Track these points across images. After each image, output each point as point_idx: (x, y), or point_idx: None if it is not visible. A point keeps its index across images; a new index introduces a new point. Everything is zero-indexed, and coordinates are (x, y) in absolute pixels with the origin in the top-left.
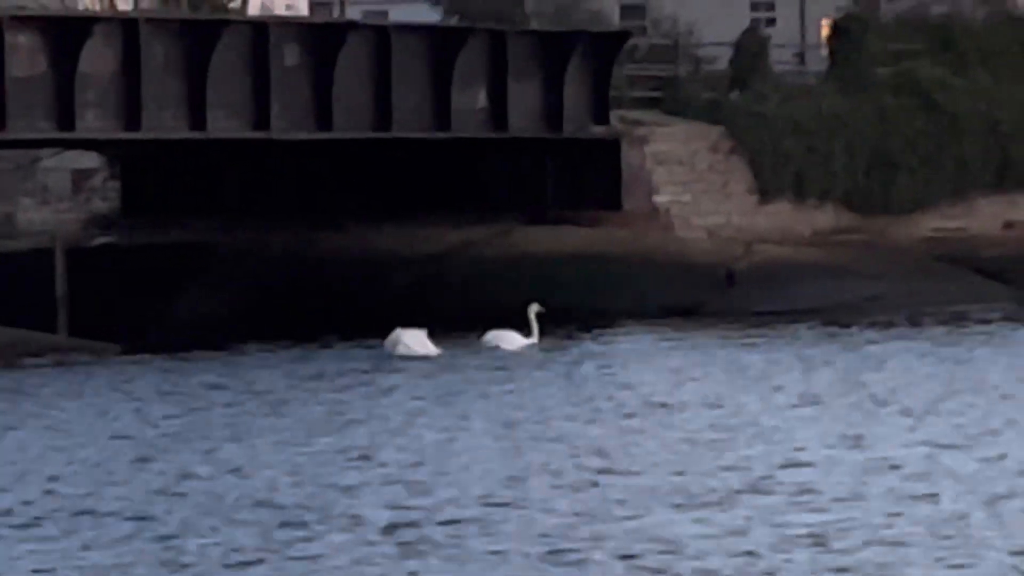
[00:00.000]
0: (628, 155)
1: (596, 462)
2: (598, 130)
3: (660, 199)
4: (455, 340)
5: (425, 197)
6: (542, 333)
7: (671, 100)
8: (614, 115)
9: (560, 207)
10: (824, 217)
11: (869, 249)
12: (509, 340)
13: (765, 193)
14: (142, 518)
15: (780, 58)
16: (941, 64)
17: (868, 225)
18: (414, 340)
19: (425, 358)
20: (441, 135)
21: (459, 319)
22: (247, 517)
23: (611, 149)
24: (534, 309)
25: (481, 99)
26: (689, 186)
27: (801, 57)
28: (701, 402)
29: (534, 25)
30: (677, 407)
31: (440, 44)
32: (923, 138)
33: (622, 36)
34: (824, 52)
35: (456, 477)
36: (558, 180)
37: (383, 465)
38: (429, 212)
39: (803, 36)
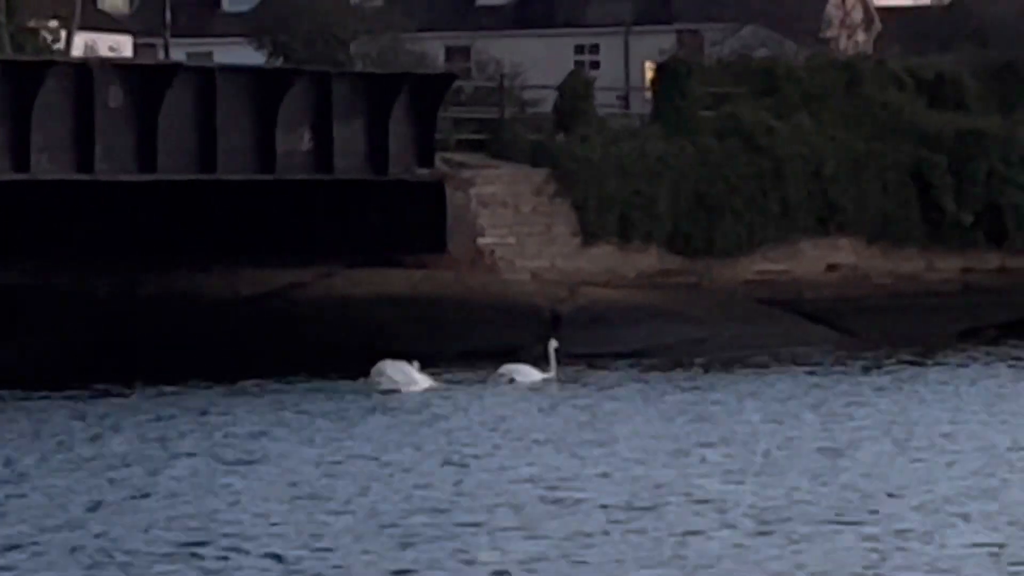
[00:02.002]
0: (453, 197)
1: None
2: (423, 172)
3: (485, 241)
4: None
5: (251, 239)
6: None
7: (496, 143)
8: (439, 157)
9: (385, 249)
10: (648, 259)
11: (693, 292)
12: (525, 374)
13: (589, 236)
14: None
15: (605, 101)
16: (764, 107)
17: (692, 267)
18: (398, 373)
19: (410, 391)
20: (266, 177)
21: (284, 362)
22: None
23: (436, 191)
24: (553, 345)
25: (306, 141)
26: (514, 228)
27: (625, 100)
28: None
29: (359, 67)
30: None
31: (265, 86)
32: (746, 181)
33: (447, 78)
34: (648, 95)
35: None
36: (383, 222)
37: None
38: (254, 254)
39: (627, 79)
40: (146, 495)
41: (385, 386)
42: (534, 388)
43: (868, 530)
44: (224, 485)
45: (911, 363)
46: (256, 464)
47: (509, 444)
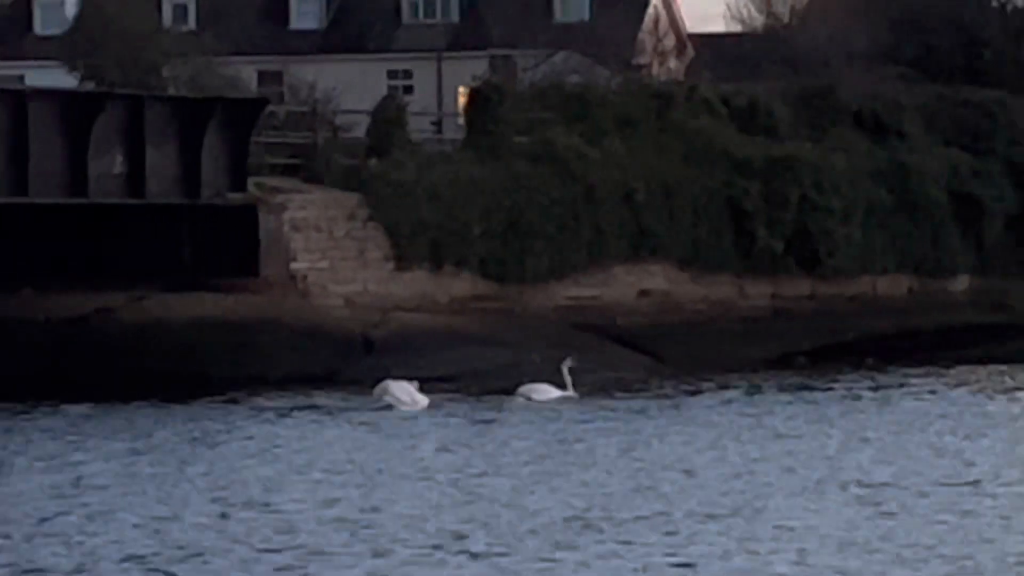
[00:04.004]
0: (265, 222)
1: None
2: (235, 197)
3: (297, 266)
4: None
5: (62, 262)
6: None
7: (309, 167)
8: (252, 182)
9: (197, 273)
10: (461, 285)
11: (506, 317)
12: (543, 392)
13: (402, 260)
14: None
15: (418, 126)
16: (576, 133)
17: (505, 293)
18: (401, 391)
19: (412, 409)
20: (78, 200)
21: (96, 386)
22: None
23: (248, 216)
24: (568, 364)
25: (118, 164)
26: (327, 253)
27: (439, 125)
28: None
29: (171, 91)
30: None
31: (77, 109)
32: (559, 206)
33: (259, 103)
34: (461, 120)
35: None
36: (195, 246)
37: None
38: (66, 278)
39: (440, 104)
40: None
41: (389, 403)
42: (551, 407)
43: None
44: None
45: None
46: None
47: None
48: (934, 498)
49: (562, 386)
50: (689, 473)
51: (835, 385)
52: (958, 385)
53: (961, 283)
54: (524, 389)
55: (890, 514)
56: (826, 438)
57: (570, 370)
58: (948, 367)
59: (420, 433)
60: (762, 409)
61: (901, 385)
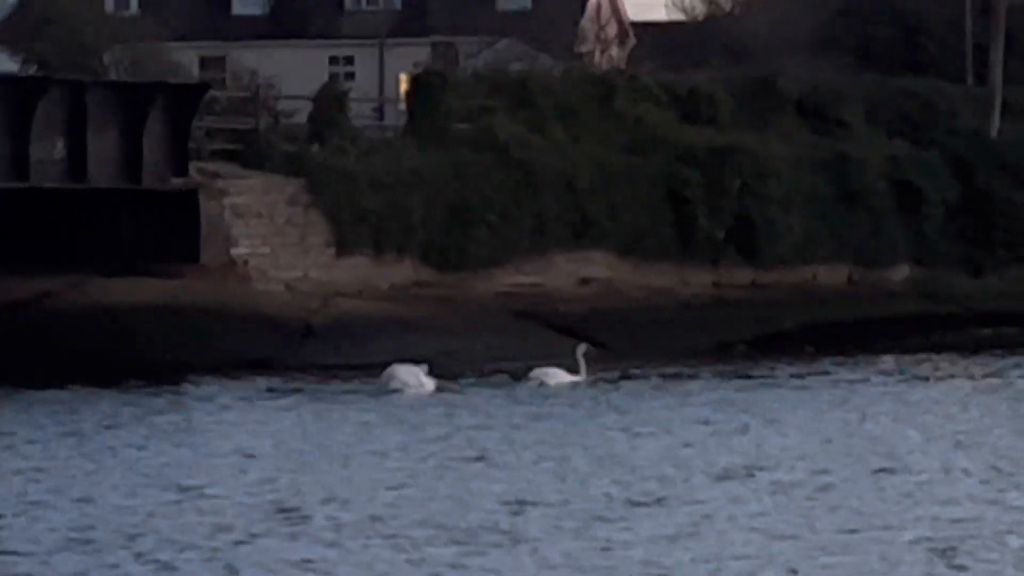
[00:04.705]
0: (207, 207)
1: None
2: (177, 182)
3: (238, 252)
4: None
5: (3, 247)
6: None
7: (251, 153)
8: (193, 167)
9: (138, 258)
10: (402, 271)
11: (446, 304)
12: (555, 376)
13: (343, 247)
14: None
15: (360, 112)
16: (519, 121)
17: (446, 280)
18: (409, 375)
19: (419, 392)
20: (19, 185)
21: (34, 371)
22: None
23: (189, 201)
24: (581, 349)
25: (60, 149)
26: (268, 239)
27: (380, 112)
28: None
29: (113, 76)
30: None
31: (18, 94)
32: (501, 194)
33: (201, 88)
34: (403, 107)
35: None
36: (136, 231)
37: None
38: (6, 262)
39: (382, 91)
40: None
41: (395, 387)
42: (563, 391)
43: None
44: None
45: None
46: None
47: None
48: (840, 484)
49: (575, 371)
50: (602, 460)
51: (769, 374)
52: (890, 373)
53: (901, 273)
54: (537, 373)
55: (801, 500)
56: (743, 425)
57: (584, 356)
58: (886, 356)
59: (342, 418)
60: (693, 397)
61: (826, 373)
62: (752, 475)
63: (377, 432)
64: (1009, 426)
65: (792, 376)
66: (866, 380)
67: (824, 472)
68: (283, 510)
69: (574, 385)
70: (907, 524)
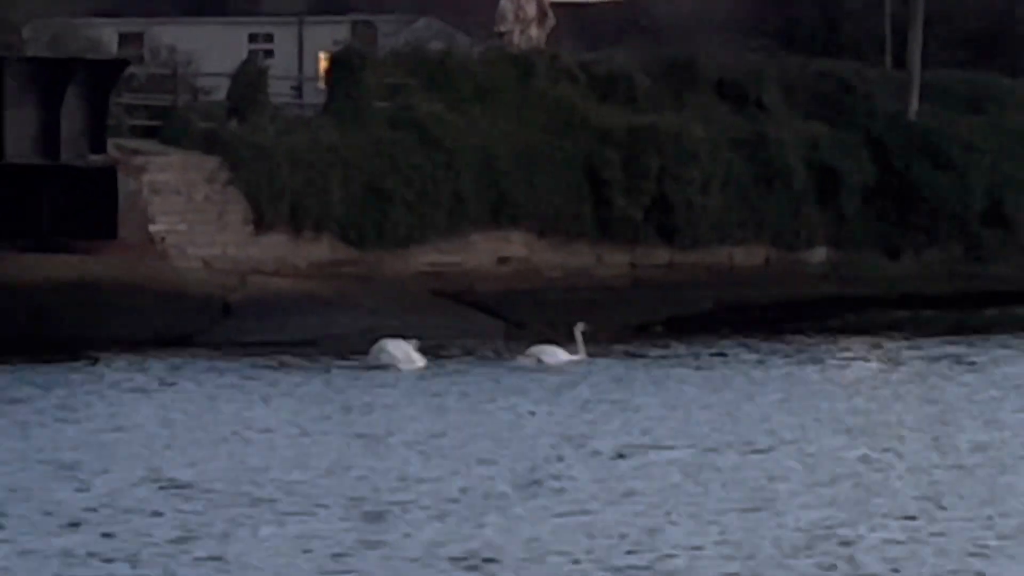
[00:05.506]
0: (124, 184)
1: None
2: (95, 158)
3: (156, 228)
4: None
5: None
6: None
7: (169, 129)
8: (111, 143)
9: (55, 235)
10: (320, 249)
11: (365, 282)
12: (552, 354)
13: (261, 224)
14: None
15: (279, 90)
16: (437, 100)
17: (364, 258)
18: (398, 350)
19: (409, 368)
20: None
21: None
22: None
23: (107, 177)
24: (580, 328)
25: None
26: (186, 216)
27: (299, 89)
28: None
29: (31, 52)
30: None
31: None
32: (419, 173)
33: (120, 64)
34: (322, 85)
35: None
36: (54, 208)
37: None
38: None
39: (301, 68)
40: None
41: (384, 362)
42: (561, 369)
43: None
44: None
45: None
46: None
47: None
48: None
49: (573, 349)
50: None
51: (673, 354)
52: (794, 355)
53: (819, 255)
54: (534, 350)
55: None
56: (636, 406)
57: (583, 334)
58: (798, 337)
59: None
60: (592, 377)
61: (721, 355)
62: (623, 456)
63: (272, 408)
64: (896, 409)
65: (693, 356)
66: (765, 362)
67: (694, 449)
68: (164, 486)
69: (572, 363)
70: (784, 506)
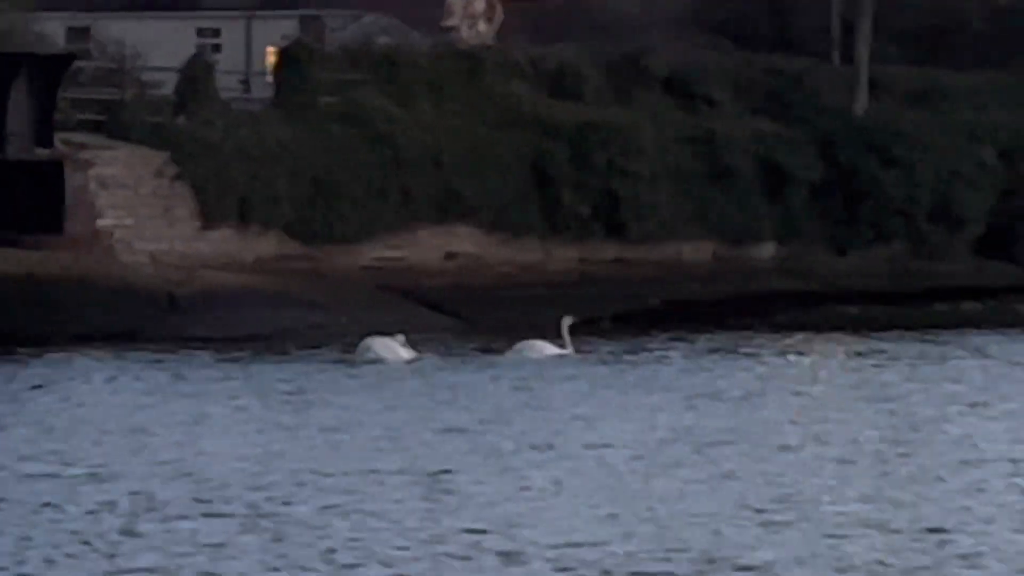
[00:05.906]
0: (71, 178)
1: None
2: (42, 152)
3: (103, 223)
4: None
5: None
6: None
7: (116, 124)
8: (58, 138)
9: (2, 229)
10: (267, 244)
11: (312, 277)
12: (539, 349)
13: (209, 219)
14: None
15: (227, 85)
16: (386, 95)
17: (311, 253)
18: (383, 348)
19: (395, 363)
20: None
21: None
22: None
23: (54, 172)
24: (567, 322)
25: None
26: (133, 210)
27: (247, 84)
28: None
29: None
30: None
31: None
32: (367, 168)
33: (67, 59)
34: (270, 80)
35: None
36: (0, 202)
37: None
38: None
39: (248, 63)
40: None
41: (372, 357)
42: (548, 362)
43: None
44: None
45: None
46: None
47: None
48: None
49: (560, 344)
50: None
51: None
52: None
53: (766, 250)
54: (521, 346)
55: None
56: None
57: (569, 328)
58: (746, 332)
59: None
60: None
61: (653, 350)
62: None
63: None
64: (813, 406)
65: (627, 353)
66: (687, 357)
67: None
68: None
69: (559, 358)
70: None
